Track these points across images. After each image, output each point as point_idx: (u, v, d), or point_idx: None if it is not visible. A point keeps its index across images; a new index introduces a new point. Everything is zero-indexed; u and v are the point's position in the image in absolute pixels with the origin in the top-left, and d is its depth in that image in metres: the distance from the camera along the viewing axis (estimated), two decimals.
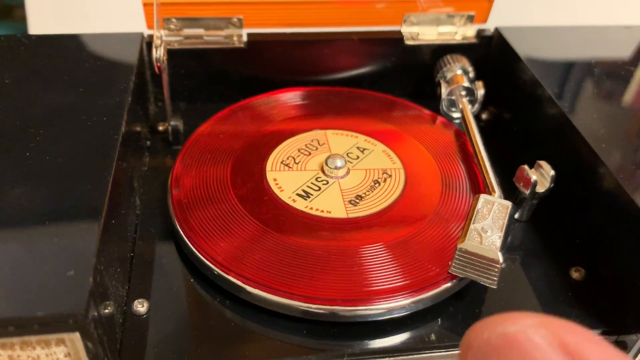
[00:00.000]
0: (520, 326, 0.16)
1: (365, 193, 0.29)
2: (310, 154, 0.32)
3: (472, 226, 0.25)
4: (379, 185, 0.30)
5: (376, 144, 0.33)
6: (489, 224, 0.25)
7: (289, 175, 0.30)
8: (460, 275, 0.24)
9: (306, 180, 0.30)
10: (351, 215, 0.28)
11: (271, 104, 0.36)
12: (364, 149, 0.32)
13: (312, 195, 0.29)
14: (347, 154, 0.32)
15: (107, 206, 0.22)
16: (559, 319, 0.16)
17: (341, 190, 0.29)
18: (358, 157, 0.32)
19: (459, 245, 0.24)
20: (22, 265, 0.20)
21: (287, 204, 0.28)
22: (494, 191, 0.28)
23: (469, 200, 0.29)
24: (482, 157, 0.31)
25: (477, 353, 0.17)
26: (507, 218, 0.25)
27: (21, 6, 0.50)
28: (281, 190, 0.29)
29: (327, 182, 0.30)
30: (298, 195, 0.29)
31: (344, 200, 0.29)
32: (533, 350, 0.16)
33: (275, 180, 0.30)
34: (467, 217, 0.26)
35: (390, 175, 0.30)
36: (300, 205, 0.28)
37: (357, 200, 0.29)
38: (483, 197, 0.26)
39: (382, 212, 0.28)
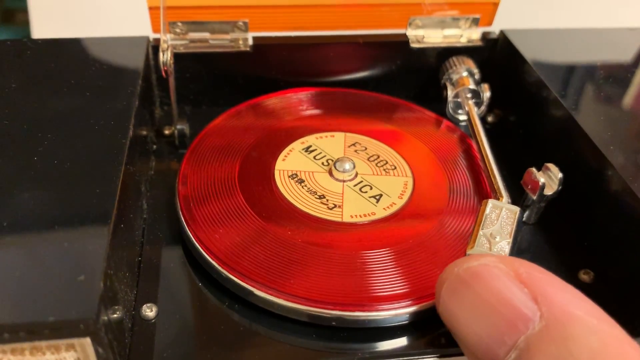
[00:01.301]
0: (482, 261, 0.20)
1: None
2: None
3: (480, 232, 0.25)
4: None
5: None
6: (498, 230, 0.25)
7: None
8: None
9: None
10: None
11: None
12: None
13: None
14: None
15: (116, 210, 0.22)
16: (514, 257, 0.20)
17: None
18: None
19: (468, 252, 0.24)
20: (32, 270, 0.20)
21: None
22: (502, 196, 0.28)
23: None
24: (489, 161, 0.31)
25: (449, 286, 0.20)
26: (515, 224, 0.25)
27: (23, 10, 0.50)
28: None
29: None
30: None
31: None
32: (494, 279, 0.19)
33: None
34: (476, 222, 0.25)
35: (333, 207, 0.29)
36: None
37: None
38: (491, 202, 0.26)
39: (390, 218, 0.28)
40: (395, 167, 0.32)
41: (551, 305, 0.18)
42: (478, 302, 0.19)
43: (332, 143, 0.33)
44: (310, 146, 0.32)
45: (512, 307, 0.18)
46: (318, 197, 0.29)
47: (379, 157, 0.32)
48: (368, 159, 0.32)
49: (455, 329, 0.20)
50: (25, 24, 0.50)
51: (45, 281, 0.19)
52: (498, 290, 0.18)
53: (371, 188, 0.30)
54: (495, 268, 0.19)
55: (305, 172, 0.30)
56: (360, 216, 0.28)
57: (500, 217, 0.25)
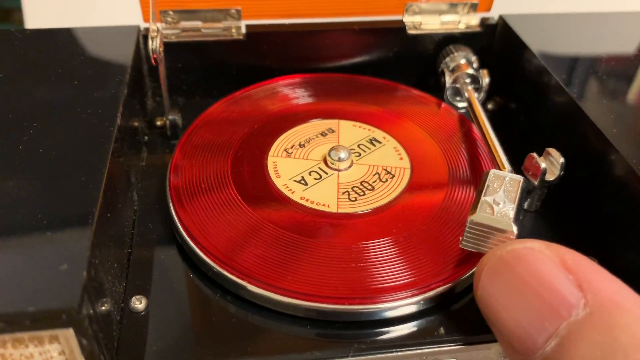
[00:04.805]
0: (527, 245, 0.19)
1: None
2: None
3: (482, 199, 0.24)
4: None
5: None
6: (501, 197, 0.24)
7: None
8: (473, 250, 0.23)
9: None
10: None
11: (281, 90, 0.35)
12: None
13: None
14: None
15: (101, 199, 0.22)
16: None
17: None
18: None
19: (470, 217, 0.23)
20: (14, 259, 0.19)
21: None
22: (504, 167, 0.27)
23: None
24: (489, 135, 0.30)
25: (491, 267, 0.20)
26: (519, 192, 0.24)
27: (20, 9, 0.49)
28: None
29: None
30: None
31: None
32: (538, 263, 0.18)
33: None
34: (477, 191, 0.24)
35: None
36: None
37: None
38: (493, 172, 0.25)
39: (386, 207, 0.27)
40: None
41: (597, 293, 0.17)
42: (520, 285, 0.18)
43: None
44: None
45: (555, 292, 0.18)
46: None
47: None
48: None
49: (493, 314, 0.19)
50: (22, 22, 0.49)
51: (26, 270, 0.19)
52: (542, 274, 0.18)
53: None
54: (540, 252, 0.19)
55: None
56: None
57: (504, 186, 0.24)
